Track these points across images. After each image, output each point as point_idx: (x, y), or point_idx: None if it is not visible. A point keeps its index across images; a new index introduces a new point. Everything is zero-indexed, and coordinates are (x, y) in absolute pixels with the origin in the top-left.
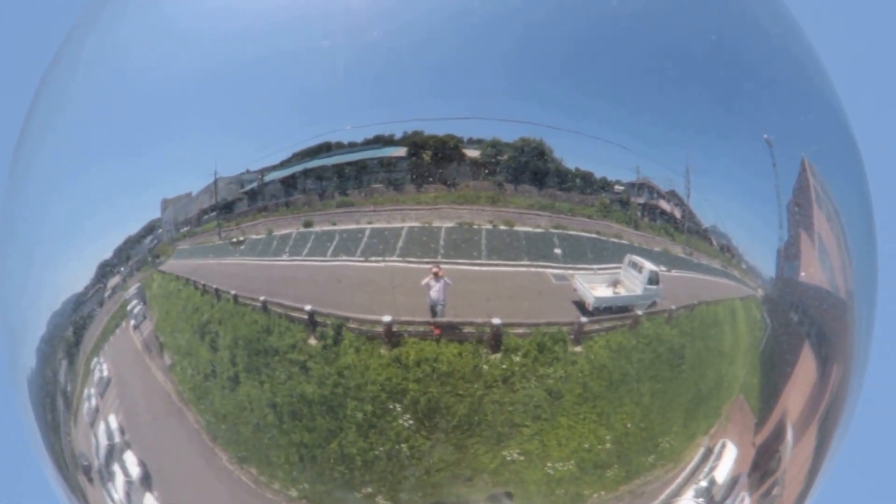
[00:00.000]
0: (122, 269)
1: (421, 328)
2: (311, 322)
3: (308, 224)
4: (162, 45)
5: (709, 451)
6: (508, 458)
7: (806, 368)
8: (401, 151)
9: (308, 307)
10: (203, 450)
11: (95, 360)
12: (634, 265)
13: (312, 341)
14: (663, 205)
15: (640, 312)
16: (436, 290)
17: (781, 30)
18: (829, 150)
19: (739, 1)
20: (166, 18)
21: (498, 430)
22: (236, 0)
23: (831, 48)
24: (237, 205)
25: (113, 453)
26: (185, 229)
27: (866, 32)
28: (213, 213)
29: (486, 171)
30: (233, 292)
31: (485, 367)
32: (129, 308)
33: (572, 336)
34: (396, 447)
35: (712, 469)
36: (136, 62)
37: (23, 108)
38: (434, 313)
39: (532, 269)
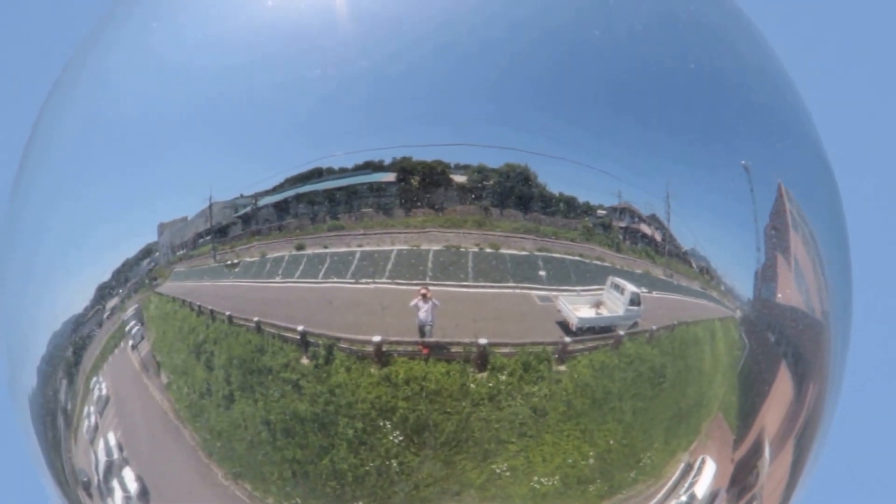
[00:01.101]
0: (121, 290)
1: (410, 348)
2: (304, 342)
3: (300, 247)
4: (158, 73)
5: (689, 467)
6: (495, 474)
7: (783, 387)
8: (390, 177)
9: (300, 328)
10: (199, 466)
11: (95, 379)
12: (616, 287)
13: (305, 361)
14: (644, 228)
15: (622, 332)
16: (424, 311)
17: (759, 59)
18: (805, 175)
19: (718, 30)
20: (163, 46)
21: (485, 447)
22: (230, 33)
23: (808, 76)
24: (231, 228)
25: (112, 469)
26: (181, 252)
27: (844, 63)
28: (209, 237)
29: (473, 196)
30: (227, 313)
31: (472, 385)
32: (127, 329)
33: (556, 355)
34: (386, 463)
35: (692, 484)
36: (133, 90)
37: (25, 131)
38: (422, 333)
39: (517, 291)
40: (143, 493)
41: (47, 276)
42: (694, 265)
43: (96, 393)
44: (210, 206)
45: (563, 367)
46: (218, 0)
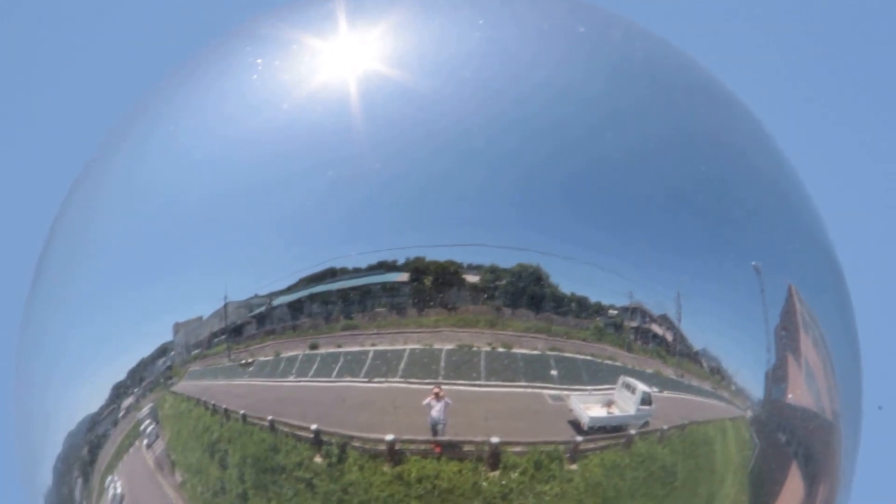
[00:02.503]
0: (136, 390)
1: (422, 446)
2: (317, 440)
3: (314, 346)
4: (174, 179)
5: None
6: None
7: (793, 487)
8: (403, 277)
9: (314, 426)
10: None
11: (110, 478)
12: (628, 386)
13: (318, 459)
14: (655, 328)
15: (633, 432)
16: (436, 410)
17: (771, 162)
18: (815, 277)
19: (729, 130)
20: (176, 152)
21: None
22: (246, 132)
23: (820, 179)
24: (246, 328)
25: None
26: (196, 352)
27: (857, 167)
28: (223, 336)
29: (485, 296)
30: (241, 412)
31: (484, 484)
32: (142, 428)
33: (568, 454)
34: None
35: None
36: (150, 196)
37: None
38: (435, 432)
39: (529, 390)
40: None
41: (66, 377)
42: (705, 365)
43: (111, 491)
44: (225, 306)
45: (574, 466)
46: (233, 105)
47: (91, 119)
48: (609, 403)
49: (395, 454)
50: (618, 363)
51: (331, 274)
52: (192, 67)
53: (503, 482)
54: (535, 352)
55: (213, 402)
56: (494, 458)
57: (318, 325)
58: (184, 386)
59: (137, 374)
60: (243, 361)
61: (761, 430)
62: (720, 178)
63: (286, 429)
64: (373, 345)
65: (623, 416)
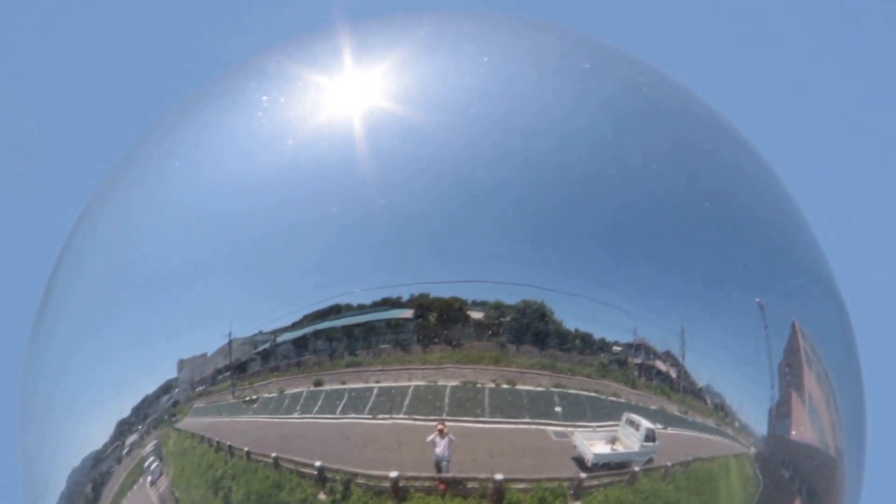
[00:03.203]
0: (140, 427)
1: (426, 483)
2: (321, 477)
3: (318, 383)
4: (178, 212)
5: None
6: None
7: None
8: (408, 313)
9: (318, 463)
10: None
11: None
12: (632, 423)
13: (322, 496)
14: (659, 365)
15: (637, 468)
16: (441, 447)
17: (773, 197)
18: (819, 313)
19: (733, 169)
20: (183, 185)
21: None
22: (250, 168)
23: (823, 214)
24: (250, 365)
25: None
26: (201, 388)
27: (857, 201)
28: (228, 373)
29: (490, 333)
30: (245, 449)
31: None
32: (146, 465)
33: (572, 491)
34: None
35: None
36: (154, 230)
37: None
38: (439, 469)
39: (533, 427)
40: None
41: (67, 413)
42: (709, 402)
43: None
44: (229, 343)
45: (578, 503)
46: (239, 138)
47: (94, 153)
48: (613, 440)
49: (399, 491)
50: (622, 400)
51: (335, 311)
52: (195, 103)
53: None
54: (540, 388)
55: (217, 439)
56: (498, 494)
57: (323, 362)
58: (188, 423)
59: (141, 412)
60: (247, 398)
61: (765, 466)
62: (724, 214)
63: (290, 465)
64: (377, 381)
65: (627, 452)
